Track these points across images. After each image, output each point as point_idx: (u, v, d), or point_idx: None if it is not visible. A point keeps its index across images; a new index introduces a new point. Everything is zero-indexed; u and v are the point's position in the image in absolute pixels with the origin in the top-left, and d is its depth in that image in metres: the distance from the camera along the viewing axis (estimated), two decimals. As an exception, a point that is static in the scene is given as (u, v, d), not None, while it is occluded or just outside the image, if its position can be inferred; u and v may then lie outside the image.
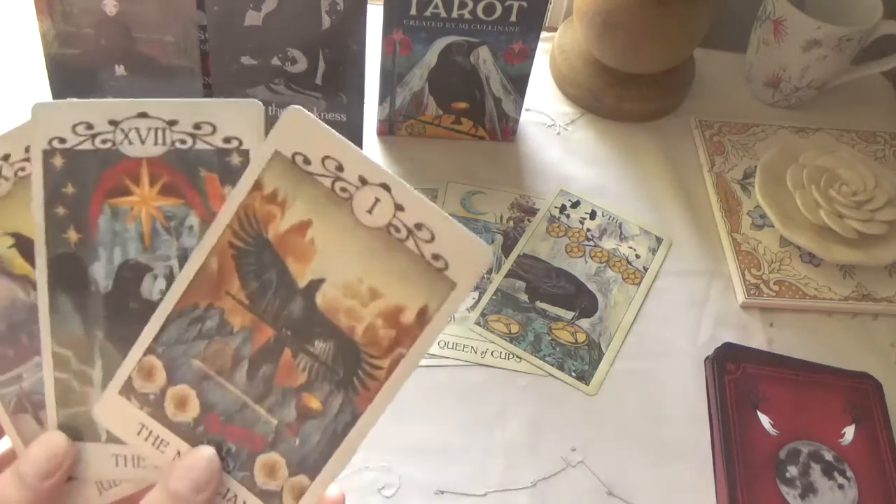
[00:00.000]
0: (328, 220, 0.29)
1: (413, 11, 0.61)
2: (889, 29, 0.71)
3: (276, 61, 0.62)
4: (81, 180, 0.30)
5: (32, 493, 0.29)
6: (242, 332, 0.30)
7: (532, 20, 0.62)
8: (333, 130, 0.29)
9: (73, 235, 0.31)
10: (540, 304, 0.62)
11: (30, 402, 0.32)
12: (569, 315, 0.61)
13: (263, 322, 0.30)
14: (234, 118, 0.30)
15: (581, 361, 0.59)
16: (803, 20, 0.70)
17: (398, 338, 0.29)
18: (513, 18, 0.62)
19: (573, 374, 0.58)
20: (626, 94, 0.74)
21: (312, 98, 0.64)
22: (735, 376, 0.58)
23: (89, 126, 0.30)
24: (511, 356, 0.59)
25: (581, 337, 0.60)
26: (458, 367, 0.58)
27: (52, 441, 0.31)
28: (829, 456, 0.55)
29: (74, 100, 0.30)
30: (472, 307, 0.61)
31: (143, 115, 0.30)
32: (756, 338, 0.62)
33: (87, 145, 0.30)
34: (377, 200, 0.29)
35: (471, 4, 0.61)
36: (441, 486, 0.52)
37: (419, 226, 0.29)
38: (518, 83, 0.67)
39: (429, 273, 0.29)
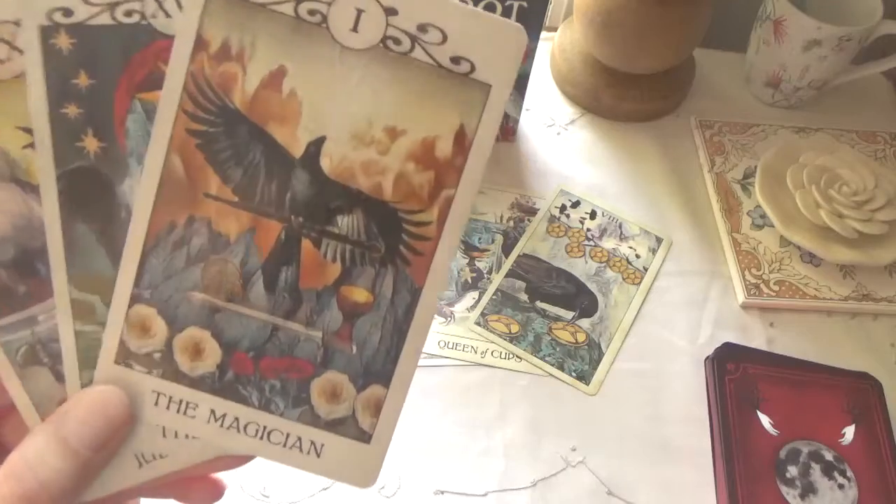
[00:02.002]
0: (306, 59, 0.22)
1: (413, 11, 0.61)
2: (889, 29, 0.71)
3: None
4: (100, 68, 0.23)
5: (79, 465, 0.23)
6: (242, 238, 0.24)
7: (532, 20, 0.62)
8: None
9: (91, 144, 0.23)
10: (540, 304, 0.62)
11: (46, 351, 0.25)
12: (569, 315, 0.61)
13: (264, 217, 0.24)
14: None
15: (581, 361, 0.59)
16: (803, 20, 0.70)
17: (439, 177, 0.23)
18: (513, 18, 0.62)
19: (573, 374, 0.58)
20: (625, 94, 0.74)
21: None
22: (735, 376, 0.58)
23: None
24: (511, 356, 0.59)
25: (581, 337, 0.60)
26: (458, 367, 0.58)
27: (111, 401, 0.24)
28: (829, 456, 0.55)
29: None
30: (472, 307, 0.61)
31: None
32: (756, 338, 0.62)
33: (105, 19, 0.22)
34: (360, 11, 0.22)
35: (471, 4, 0.61)
36: (441, 486, 0.52)
37: (423, 27, 0.22)
38: (518, 83, 0.67)
39: (453, 83, 0.23)
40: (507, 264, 0.64)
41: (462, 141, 0.23)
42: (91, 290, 0.24)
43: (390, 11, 0.22)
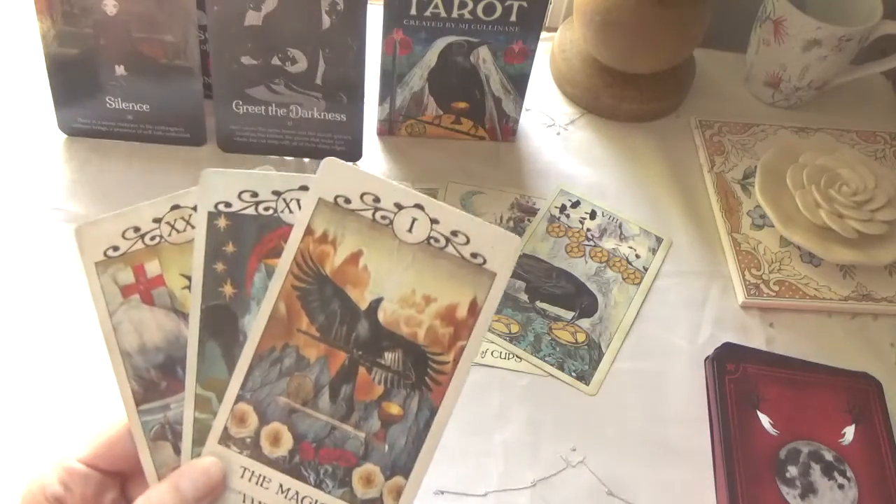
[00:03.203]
0: (376, 246, 0.33)
1: (413, 11, 0.61)
2: (889, 29, 0.71)
3: (276, 61, 0.62)
4: (242, 241, 0.34)
5: None
6: (319, 362, 0.33)
7: (532, 20, 0.62)
8: (364, 170, 0.33)
9: (228, 290, 0.33)
10: (540, 304, 0.62)
11: (172, 431, 0.34)
12: (569, 315, 0.61)
13: (335, 349, 0.33)
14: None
15: (581, 361, 0.59)
16: (803, 20, 0.70)
17: (456, 332, 0.33)
18: (513, 18, 0.62)
19: (573, 374, 0.58)
20: (625, 94, 0.74)
21: (312, 98, 0.64)
22: (735, 376, 0.58)
23: (254, 194, 0.33)
24: (511, 356, 0.59)
25: (581, 337, 0.60)
26: (458, 367, 0.58)
27: (212, 468, 0.33)
28: (829, 456, 0.55)
29: (242, 171, 0.33)
30: (472, 307, 0.61)
31: (304, 188, 0.33)
32: (756, 338, 0.62)
33: (251, 210, 0.33)
34: (414, 220, 0.33)
35: (471, 4, 0.61)
36: (441, 486, 0.52)
37: (455, 233, 0.33)
38: (518, 83, 0.67)
39: (471, 270, 0.33)
40: (507, 264, 0.64)
41: (474, 308, 0.33)
42: (211, 388, 0.33)
43: (434, 221, 0.33)
